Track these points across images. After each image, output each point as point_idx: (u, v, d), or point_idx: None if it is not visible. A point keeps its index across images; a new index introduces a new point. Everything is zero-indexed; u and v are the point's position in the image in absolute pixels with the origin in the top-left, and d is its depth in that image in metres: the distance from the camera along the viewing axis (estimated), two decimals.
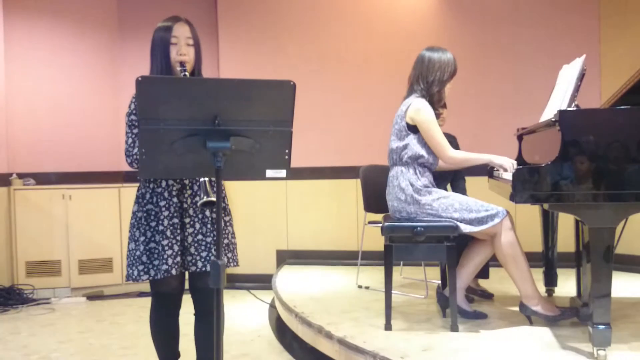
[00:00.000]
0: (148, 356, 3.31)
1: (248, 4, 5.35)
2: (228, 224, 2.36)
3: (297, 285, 4.19)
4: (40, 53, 5.25)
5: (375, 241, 3.59)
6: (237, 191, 5.14)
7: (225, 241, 2.33)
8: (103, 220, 4.97)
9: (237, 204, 5.09)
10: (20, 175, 5.00)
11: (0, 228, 4.83)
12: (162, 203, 2.23)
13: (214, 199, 2.04)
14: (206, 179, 2.08)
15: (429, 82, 2.98)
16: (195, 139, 1.65)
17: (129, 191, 5.02)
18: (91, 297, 4.91)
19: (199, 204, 2.13)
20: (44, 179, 5.13)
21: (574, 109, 2.56)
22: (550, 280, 3.45)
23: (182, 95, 1.66)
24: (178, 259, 2.23)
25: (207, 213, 2.28)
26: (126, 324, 4.08)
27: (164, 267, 2.19)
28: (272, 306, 4.26)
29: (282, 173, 1.79)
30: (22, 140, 5.15)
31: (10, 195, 4.86)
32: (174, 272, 2.20)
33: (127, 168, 5.51)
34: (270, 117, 1.72)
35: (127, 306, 4.62)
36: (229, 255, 2.33)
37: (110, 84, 5.52)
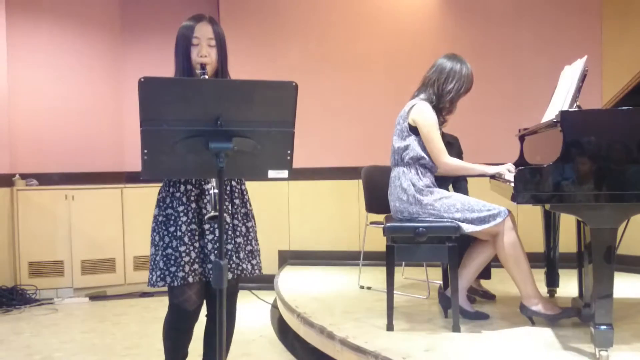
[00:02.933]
0: (151, 356, 3.32)
1: (250, 5, 5.36)
2: (251, 229, 2.29)
3: (299, 286, 4.20)
4: (43, 54, 5.26)
5: (377, 242, 3.60)
6: None
7: (249, 247, 2.26)
8: (106, 221, 4.98)
9: None
10: (23, 176, 5.01)
11: (3, 228, 4.85)
12: (181, 208, 2.15)
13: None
14: (217, 191, 1.93)
15: (444, 90, 2.98)
16: (198, 140, 1.65)
17: (132, 192, 5.04)
18: (94, 298, 4.92)
19: (206, 217, 2.05)
20: (46, 179, 5.14)
21: (576, 109, 2.56)
22: (552, 281, 3.45)
23: (184, 96, 1.66)
24: (196, 266, 2.14)
25: (228, 219, 2.18)
26: (129, 324, 4.09)
27: (181, 274, 2.11)
28: (274, 306, 4.27)
29: (284, 173, 1.79)
30: (25, 141, 5.16)
31: (13, 196, 4.87)
32: (190, 279, 2.11)
33: (130, 169, 5.55)
34: (272, 117, 1.72)
35: (129, 306, 4.63)
36: (253, 262, 2.27)
37: (113, 85, 5.54)
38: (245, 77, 1.71)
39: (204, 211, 2.17)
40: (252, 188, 5.46)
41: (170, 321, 2.27)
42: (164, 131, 1.65)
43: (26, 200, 4.87)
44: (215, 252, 2.13)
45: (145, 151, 1.66)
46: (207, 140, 1.64)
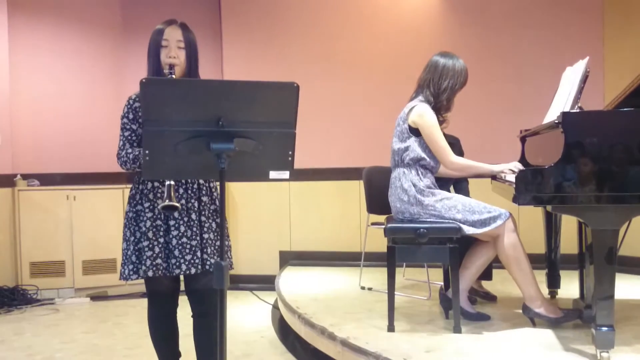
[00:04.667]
0: (152, 357, 3.31)
1: (251, 6, 5.36)
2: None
3: (300, 286, 4.20)
4: (45, 55, 5.27)
5: (378, 242, 3.60)
6: (240, 192, 5.15)
7: (219, 243, 2.30)
8: (107, 221, 4.98)
9: (240, 205, 5.10)
10: (25, 176, 5.02)
11: (4, 229, 4.85)
12: (146, 204, 2.26)
13: (175, 204, 2.08)
14: (172, 182, 2.11)
15: (440, 88, 2.97)
16: (199, 141, 1.66)
17: None
18: (95, 298, 4.93)
19: (159, 207, 2.15)
20: (48, 179, 5.14)
21: (577, 111, 2.56)
22: (553, 282, 3.44)
23: (186, 97, 1.67)
24: (158, 261, 2.23)
25: (194, 216, 2.27)
26: (130, 325, 4.09)
27: (143, 267, 2.22)
28: (275, 307, 4.27)
29: (286, 174, 1.79)
30: (26, 141, 5.17)
31: (15, 196, 4.88)
32: (150, 273, 2.21)
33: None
34: (274, 118, 1.72)
35: (130, 307, 4.63)
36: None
37: (114, 86, 5.54)
38: (246, 78, 1.71)
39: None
40: (253, 189, 5.44)
41: (151, 309, 2.41)
42: (166, 132, 1.65)
43: (27, 200, 4.88)
44: (180, 247, 2.24)
45: (147, 152, 1.66)
46: (208, 141, 1.65)
